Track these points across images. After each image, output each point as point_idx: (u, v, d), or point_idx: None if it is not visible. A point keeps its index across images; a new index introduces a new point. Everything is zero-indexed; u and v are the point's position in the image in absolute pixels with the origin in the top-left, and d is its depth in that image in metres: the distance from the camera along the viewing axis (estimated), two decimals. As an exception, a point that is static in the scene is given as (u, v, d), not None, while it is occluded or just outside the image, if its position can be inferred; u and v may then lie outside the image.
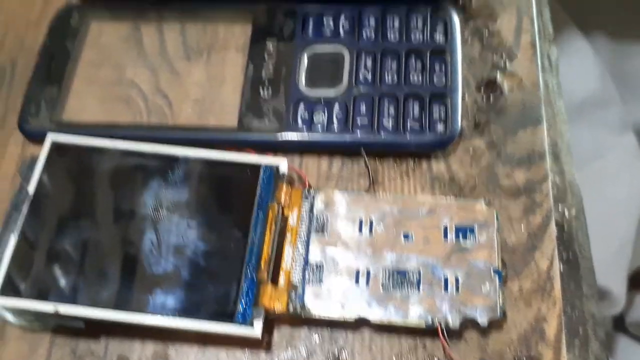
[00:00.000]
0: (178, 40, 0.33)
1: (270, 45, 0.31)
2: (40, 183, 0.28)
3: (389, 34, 0.31)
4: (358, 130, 0.29)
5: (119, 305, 0.25)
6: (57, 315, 0.25)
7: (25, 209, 0.27)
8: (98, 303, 0.25)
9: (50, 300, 0.25)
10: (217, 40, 0.33)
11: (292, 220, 0.27)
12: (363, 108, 0.30)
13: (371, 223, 0.27)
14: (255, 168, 0.28)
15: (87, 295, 0.25)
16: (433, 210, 0.27)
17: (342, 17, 0.32)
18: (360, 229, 0.27)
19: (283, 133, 0.30)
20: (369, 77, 0.30)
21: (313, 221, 0.27)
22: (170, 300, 0.25)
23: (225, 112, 0.31)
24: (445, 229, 0.27)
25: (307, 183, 0.28)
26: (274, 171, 0.28)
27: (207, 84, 0.32)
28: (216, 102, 0.31)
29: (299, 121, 0.30)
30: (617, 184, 0.46)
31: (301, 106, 0.30)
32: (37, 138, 0.31)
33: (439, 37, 0.31)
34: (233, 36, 0.32)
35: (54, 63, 0.33)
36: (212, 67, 0.32)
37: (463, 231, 0.27)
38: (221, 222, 0.27)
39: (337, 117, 0.30)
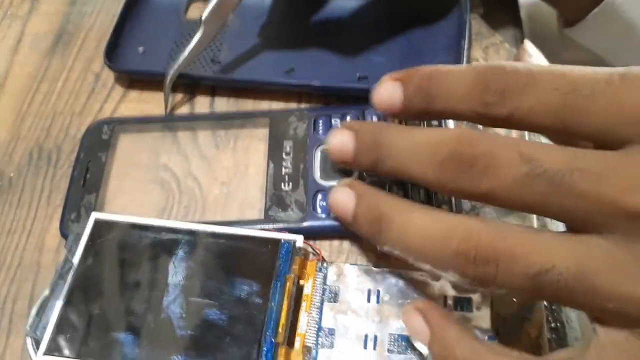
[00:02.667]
0: (194, 146, 0.37)
1: (287, 146, 0.36)
2: (83, 255, 0.31)
3: None
4: None
5: (151, 364, 0.28)
6: (96, 372, 0.28)
7: (69, 278, 0.30)
8: (133, 362, 0.28)
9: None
10: (238, 146, 0.37)
11: (307, 289, 0.30)
12: None
13: (378, 293, 0.30)
14: (275, 243, 0.31)
15: (123, 355, 0.28)
16: (434, 283, 0.30)
17: (348, 117, 0.36)
18: (369, 299, 0.30)
19: (305, 222, 0.33)
20: None
21: (326, 291, 0.30)
22: (198, 360, 0.28)
23: (251, 207, 0.34)
24: (446, 299, 0.30)
25: (321, 257, 0.32)
26: (291, 246, 0.31)
27: (234, 177, 0.35)
28: (245, 199, 0.35)
29: (319, 210, 0.33)
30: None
31: (319, 196, 0.34)
32: None
33: None
34: (253, 140, 0.37)
35: (89, 173, 0.36)
36: (236, 164, 0.36)
37: (461, 302, 0.29)
38: (244, 291, 0.30)
39: None
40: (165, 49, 0.40)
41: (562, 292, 0.23)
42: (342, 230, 0.32)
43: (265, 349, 0.28)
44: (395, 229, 0.27)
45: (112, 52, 0.40)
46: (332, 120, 0.36)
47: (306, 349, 0.28)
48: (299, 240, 0.31)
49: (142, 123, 0.38)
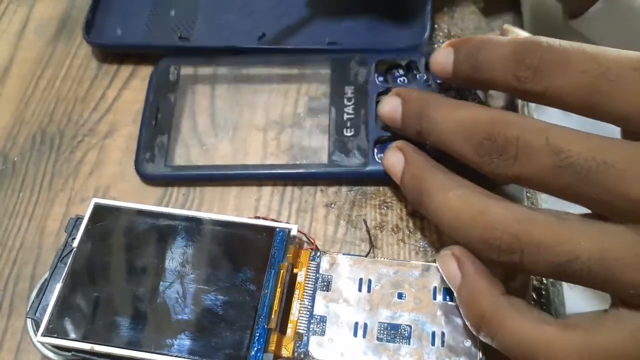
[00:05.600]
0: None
1: (348, 91, 0.37)
2: (83, 239, 0.32)
3: None
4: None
5: (147, 347, 0.29)
6: (93, 353, 0.29)
7: (69, 261, 0.31)
8: (129, 344, 0.29)
9: (88, 341, 0.29)
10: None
11: (301, 277, 0.31)
12: None
13: (370, 283, 0.31)
14: (270, 231, 0.32)
15: (120, 336, 0.29)
16: (425, 274, 0.31)
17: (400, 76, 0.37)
18: (360, 288, 0.30)
19: (367, 167, 0.34)
20: None
21: (319, 279, 0.31)
22: (192, 344, 0.29)
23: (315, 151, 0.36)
24: (435, 290, 0.30)
25: (315, 246, 0.32)
26: (286, 234, 0.32)
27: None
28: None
29: (380, 156, 0.34)
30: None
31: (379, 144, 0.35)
32: (153, 180, 0.37)
33: None
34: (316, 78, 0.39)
35: (160, 114, 0.38)
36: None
37: (450, 293, 0.30)
38: (238, 277, 0.30)
39: None
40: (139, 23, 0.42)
41: (585, 279, 0.24)
42: None
43: (257, 334, 0.29)
44: (432, 204, 0.29)
45: (90, 28, 0.42)
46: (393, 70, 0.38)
47: (298, 336, 0.29)
48: (294, 229, 0.32)
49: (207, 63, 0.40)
